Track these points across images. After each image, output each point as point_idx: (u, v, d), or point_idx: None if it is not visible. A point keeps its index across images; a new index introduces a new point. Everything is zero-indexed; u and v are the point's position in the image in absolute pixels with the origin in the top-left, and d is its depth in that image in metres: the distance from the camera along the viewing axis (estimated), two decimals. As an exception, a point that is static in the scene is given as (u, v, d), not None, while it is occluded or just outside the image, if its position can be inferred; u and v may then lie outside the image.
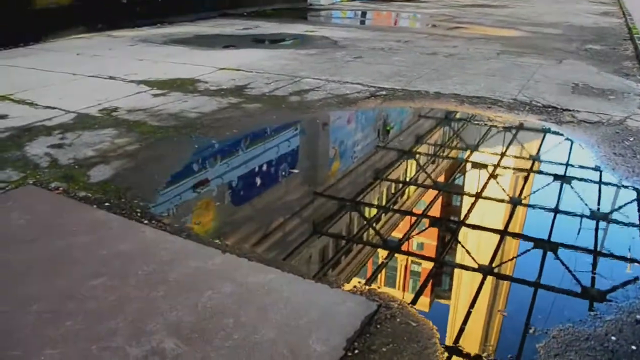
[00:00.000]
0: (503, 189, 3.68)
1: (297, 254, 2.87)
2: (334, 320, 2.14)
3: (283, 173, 3.89)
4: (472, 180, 3.93)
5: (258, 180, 3.78)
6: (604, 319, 2.22)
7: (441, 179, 3.98)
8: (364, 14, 15.06)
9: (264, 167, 3.94)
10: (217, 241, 2.82)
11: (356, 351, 1.99)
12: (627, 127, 4.64)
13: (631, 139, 4.33)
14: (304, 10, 15.49)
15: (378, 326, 2.14)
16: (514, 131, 4.79)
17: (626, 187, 3.52)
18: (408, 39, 9.68)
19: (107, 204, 3.17)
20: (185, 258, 2.59)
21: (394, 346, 2.03)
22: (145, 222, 2.96)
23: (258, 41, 9.34)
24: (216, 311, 2.19)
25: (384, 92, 5.79)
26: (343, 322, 2.13)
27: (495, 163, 4.15)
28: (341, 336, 2.05)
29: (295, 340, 2.03)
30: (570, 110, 5.12)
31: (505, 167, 4.11)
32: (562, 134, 4.56)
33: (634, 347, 2.03)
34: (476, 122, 5.06)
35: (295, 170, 3.93)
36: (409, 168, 4.20)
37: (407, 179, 3.95)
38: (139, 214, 3.06)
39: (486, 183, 3.76)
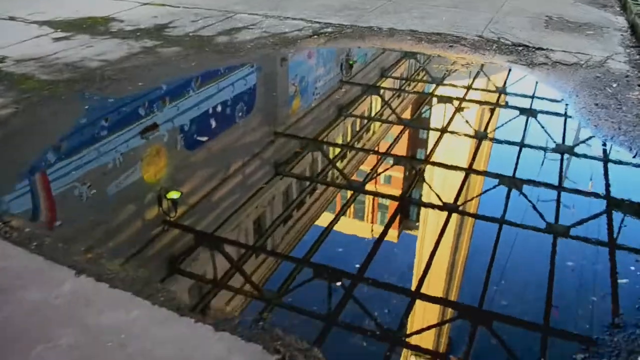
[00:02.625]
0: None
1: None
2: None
3: (196, 144, 3.10)
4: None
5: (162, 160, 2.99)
6: None
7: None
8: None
9: (172, 138, 3.15)
10: (76, 257, 2.06)
11: None
12: (609, 70, 3.94)
13: (614, 85, 3.64)
14: None
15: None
16: (476, 75, 4.06)
17: (614, 158, 2.86)
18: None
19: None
20: (24, 286, 1.86)
21: None
22: (-20, 225, 2.19)
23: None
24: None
25: (329, 29, 4.94)
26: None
27: (446, 120, 3.43)
28: None
29: None
30: (543, 50, 4.38)
31: (455, 131, 3.40)
32: (534, 79, 3.85)
33: None
34: (434, 66, 4.29)
35: (204, 139, 3.14)
36: (341, 131, 3.46)
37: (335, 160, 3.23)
38: (-25, 213, 2.28)
39: (432, 151, 3.07)
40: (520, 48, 4.42)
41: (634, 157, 2.76)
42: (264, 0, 6.00)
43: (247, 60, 4.26)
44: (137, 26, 5.06)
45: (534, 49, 4.39)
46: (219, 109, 3.48)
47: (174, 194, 2.46)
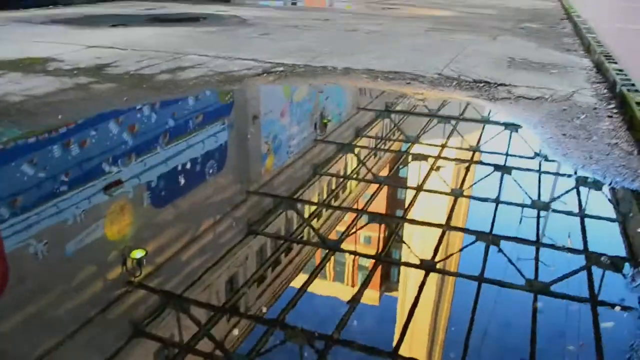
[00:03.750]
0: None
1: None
2: None
3: (103, 176, 2.66)
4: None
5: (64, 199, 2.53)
6: None
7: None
8: (294, -1, 13.86)
9: (80, 172, 2.71)
10: None
11: None
12: (576, 103, 3.65)
13: (582, 117, 3.34)
14: (227, -6, 14.15)
15: None
16: (435, 111, 3.74)
17: (586, 180, 2.50)
18: (329, 18, 8.58)
19: None
20: None
21: None
22: None
23: (155, 20, 8.00)
24: None
25: (280, 69, 4.64)
26: None
27: (405, 153, 3.07)
28: None
29: None
30: (505, 85, 4.11)
31: (419, 157, 3.04)
32: (496, 113, 3.54)
33: None
34: (390, 102, 3.98)
35: (119, 178, 2.71)
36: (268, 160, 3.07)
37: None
38: None
39: (392, 170, 2.69)
40: (482, 84, 4.15)
41: (609, 185, 2.40)
42: (219, 44, 5.73)
43: (186, 96, 3.90)
44: (77, 65, 4.70)
45: (495, 85, 4.11)
46: (144, 148, 3.07)
47: (138, 253, 2.02)
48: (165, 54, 5.19)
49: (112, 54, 5.18)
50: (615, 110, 3.45)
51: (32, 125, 3.19)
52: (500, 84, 4.14)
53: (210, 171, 2.87)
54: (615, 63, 4.30)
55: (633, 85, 3.54)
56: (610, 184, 2.42)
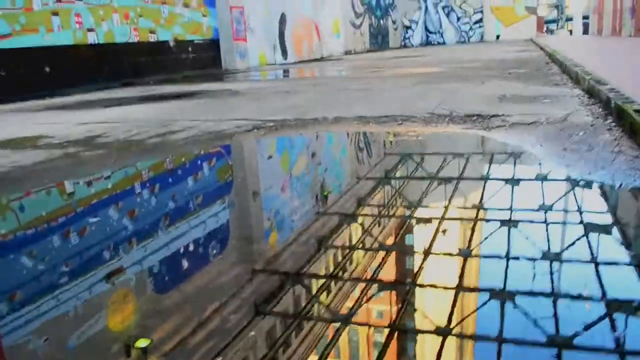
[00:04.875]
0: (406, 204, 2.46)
1: None
2: None
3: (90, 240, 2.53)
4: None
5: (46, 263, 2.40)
6: None
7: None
8: (286, 71, 14.18)
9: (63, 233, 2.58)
10: None
11: None
12: (573, 123, 3.57)
13: (581, 133, 3.24)
14: (219, 74, 14.51)
15: None
16: (428, 141, 3.65)
17: (589, 182, 2.36)
18: (319, 83, 8.72)
19: None
20: None
21: None
22: None
23: (147, 98, 8.12)
24: None
25: (271, 124, 4.60)
26: None
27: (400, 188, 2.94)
28: None
29: None
30: (499, 116, 4.05)
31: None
32: (493, 139, 3.44)
33: None
34: (382, 139, 3.90)
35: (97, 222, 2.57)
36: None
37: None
38: None
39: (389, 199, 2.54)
40: (474, 117, 4.09)
41: (619, 187, 2.26)
42: (209, 111, 5.75)
43: (176, 154, 3.83)
44: (67, 139, 4.67)
45: (488, 117, 4.05)
46: (132, 205, 2.95)
47: (142, 342, 1.86)
48: (156, 123, 5.18)
49: (102, 127, 5.18)
50: (613, 124, 3.36)
51: (16, 190, 3.09)
52: (494, 115, 4.08)
53: (214, 252, 2.73)
54: (606, 85, 4.26)
55: (627, 98, 3.48)
56: (620, 186, 2.28)
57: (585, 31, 41.25)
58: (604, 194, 2.39)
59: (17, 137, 5.00)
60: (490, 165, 3.17)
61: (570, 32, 47.67)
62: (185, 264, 2.51)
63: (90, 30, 11.21)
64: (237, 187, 3.28)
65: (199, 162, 3.82)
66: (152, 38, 13.04)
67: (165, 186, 3.27)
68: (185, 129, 4.70)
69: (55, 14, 10.37)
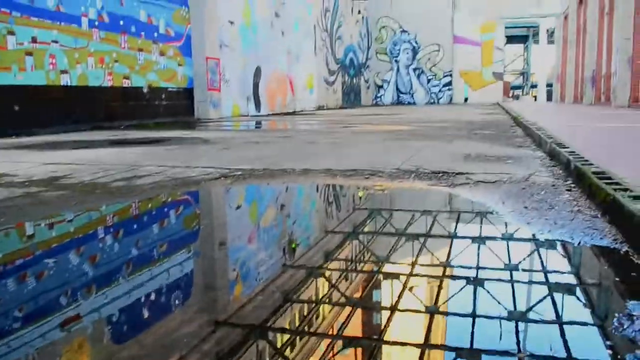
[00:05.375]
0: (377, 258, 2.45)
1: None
2: None
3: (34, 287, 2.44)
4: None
5: None
6: None
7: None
8: (258, 123, 14.29)
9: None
10: None
11: None
12: (534, 183, 3.66)
13: (542, 193, 3.32)
14: (191, 122, 14.54)
15: None
16: (394, 195, 3.68)
17: (552, 241, 2.40)
18: (290, 135, 8.81)
19: None
20: None
21: None
22: None
23: (117, 142, 8.06)
24: None
25: (239, 173, 4.60)
26: None
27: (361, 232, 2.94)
28: None
29: None
30: (463, 174, 4.13)
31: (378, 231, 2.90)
32: (457, 195, 3.50)
33: None
34: (349, 193, 3.92)
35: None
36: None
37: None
38: None
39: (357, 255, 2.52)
40: (440, 174, 4.16)
41: (577, 245, 2.30)
42: (178, 158, 5.73)
43: (141, 199, 3.77)
44: (30, 178, 4.57)
45: (454, 174, 4.13)
46: (89, 250, 2.88)
47: None
48: (123, 167, 5.12)
49: (67, 169, 5.09)
50: (573, 185, 3.46)
51: (-31, 229, 2.99)
52: (459, 173, 4.16)
53: (176, 302, 2.65)
54: (567, 148, 4.41)
55: (587, 160, 3.60)
56: (579, 243, 2.32)
57: (549, 98, 43.01)
58: (566, 253, 2.43)
59: (-23, 176, 4.87)
60: (456, 222, 3.21)
61: (535, 98, 49.66)
62: (145, 313, 2.42)
63: (63, 72, 11.19)
64: (202, 235, 3.23)
65: (164, 208, 3.76)
66: (126, 83, 13.07)
67: (127, 231, 3.20)
68: (152, 174, 4.66)
69: (29, 54, 10.35)
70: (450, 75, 37.36)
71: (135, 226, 3.34)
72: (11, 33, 9.86)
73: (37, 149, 7.16)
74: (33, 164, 5.49)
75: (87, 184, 4.24)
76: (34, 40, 10.32)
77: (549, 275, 2.36)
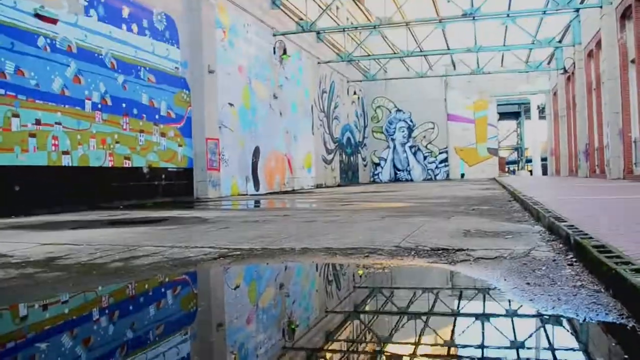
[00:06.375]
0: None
1: None
2: None
3: None
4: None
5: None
6: None
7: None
8: (257, 202, 14.35)
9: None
10: None
11: None
12: (535, 258, 3.64)
13: (543, 268, 3.29)
14: (190, 202, 14.59)
15: None
16: (394, 273, 3.64)
17: (558, 317, 2.35)
18: (289, 214, 8.83)
19: None
20: None
21: None
22: None
23: (116, 223, 8.06)
24: None
25: (237, 253, 4.57)
26: None
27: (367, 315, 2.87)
28: None
29: None
30: (463, 250, 4.11)
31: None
32: (457, 272, 3.46)
33: None
34: (349, 271, 3.87)
35: None
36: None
37: None
38: None
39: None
40: (440, 251, 4.14)
41: (582, 321, 2.25)
42: (176, 238, 5.71)
43: (138, 280, 3.72)
44: (26, 259, 4.53)
45: (453, 251, 4.11)
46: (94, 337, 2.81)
47: None
48: (121, 247, 5.10)
49: (65, 249, 5.06)
50: (574, 259, 3.44)
51: (-38, 313, 2.93)
52: (458, 249, 4.14)
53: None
54: (565, 222, 4.42)
55: (586, 234, 3.59)
56: (584, 320, 2.28)
57: (545, 172, 43.54)
58: (572, 329, 2.37)
59: (-27, 258, 4.83)
60: (458, 300, 3.15)
61: (531, 172, 50.26)
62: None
63: (65, 152, 11.37)
64: (200, 317, 3.16)
65: (161, 289, 3.71)
66: (127, 164, 13.24)
67: (123, 313, 3.13)
68: (150, 254, 4.62)
69: (32, 135, 10.55)
70: (446, 152, 38.00)
71: (131, 308, 3.28)
72: (15, 115, 10.11)
73: (36, 229, 7.15)
74: (30, 244, 5.46)
75: (85, 265, 4.20)
76: (37, 122, 10.57)
77: (556, 352, 2.29)
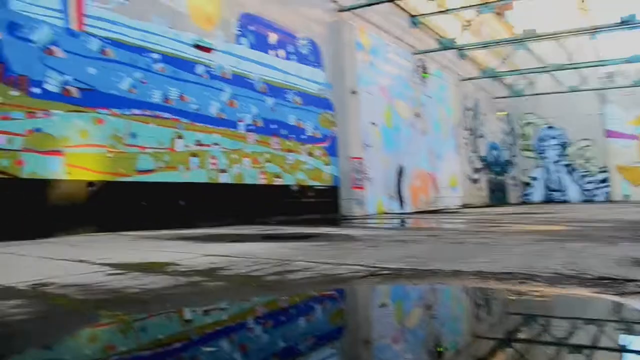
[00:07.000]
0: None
1: None
2: None
3: None
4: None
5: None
6: None
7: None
8: (403, 221, 14.31)
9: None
10: None
11: None
12: None
13: None
14: (337, 219, 14.98)
15: None
16: (553, 303, 3.42)
17: None
18: (436, 234, 8.68)
19: None
20: None
21: None
22: None
23: (269, 237, 8.53)
24: None
25: (387, 272, 4.60)
26: None
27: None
28: None
29: None
30: (635, 281, 3.75)
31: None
32: (628, 305, 3.16)
33: None
34: (501, 297, 3.72)
35: None
36: None
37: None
38: None
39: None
40: (606, 281, 3.81)
41: None
42: (327, 254, 5.90)
43: (292, 294, 3.91)
44: (193, 268, 4.98)
45: (622, 281, 3.76)
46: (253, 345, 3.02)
47: None
48: (275, 261, 5.38)
49: (225, 261, 5.46)
50: None
51: (141, 311, 3.29)
52: (629, 280, 3.79)
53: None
54: None
55: None
56: None
57: None
58: None
59: (147, 262, 5.41)
60: (628, 335, 2.88)
61: None
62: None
63: (222, 171, 12.30)
64: (347, 333, 3.24)
65: (313, 304, 3.86)
66: (277, 182, 13.95)
67: (277, 324, 3.30)
68: (303, 269, 4.83)
69: (194, 155, 11.57)
70: (606, 171, 34.85)
71: (284, 319, 3.45)
72: (180, 137, 11.18)
73: (198, 241, 7.81)
74: (195, 254, 5.98)
75: (243, 277, 4.50)
76: (198, 143, 11.59)
77: None
